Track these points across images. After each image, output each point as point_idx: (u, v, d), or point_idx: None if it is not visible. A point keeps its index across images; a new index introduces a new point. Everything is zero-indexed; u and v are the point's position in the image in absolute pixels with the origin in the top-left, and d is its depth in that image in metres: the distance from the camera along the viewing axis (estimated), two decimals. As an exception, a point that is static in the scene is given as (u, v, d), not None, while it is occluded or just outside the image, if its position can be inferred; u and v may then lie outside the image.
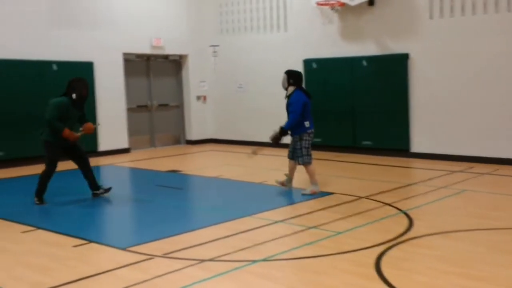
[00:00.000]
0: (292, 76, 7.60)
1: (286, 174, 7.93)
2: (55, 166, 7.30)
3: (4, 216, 6.63)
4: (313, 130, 7.59)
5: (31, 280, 4.50)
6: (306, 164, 7.54)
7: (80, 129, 7.36)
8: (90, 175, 7.54)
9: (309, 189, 7.57)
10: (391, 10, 11.04)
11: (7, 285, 4.39)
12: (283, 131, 7.55)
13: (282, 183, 7.94)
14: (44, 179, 7.27)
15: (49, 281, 4.45)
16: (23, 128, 10.62)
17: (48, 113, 7.06)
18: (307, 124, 7.49)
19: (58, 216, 6.76)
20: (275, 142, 7.65)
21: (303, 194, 7.53)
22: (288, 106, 7.52)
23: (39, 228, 6.08)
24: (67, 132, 7.09)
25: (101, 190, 7.61)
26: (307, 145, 7.50)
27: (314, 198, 7.40)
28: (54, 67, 11.09)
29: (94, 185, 7.58)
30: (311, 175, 7.57)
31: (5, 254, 5.24)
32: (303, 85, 7.96)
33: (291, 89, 7.56)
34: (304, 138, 7.49)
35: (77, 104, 7.24)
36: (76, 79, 7.27)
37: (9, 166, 10.28)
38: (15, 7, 10.67)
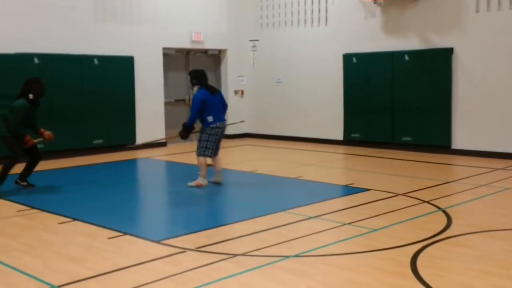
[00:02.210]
0: (194, 76, 7.86)
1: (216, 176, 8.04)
2: (17, 160, 7.47)
3: (42, 207, 6.78)
4: (218, 125, 7.77)
5: (67, 271, 4.57)
6: (199, 156, 7.75)
7: (46, 135, 7.63)
8: (31, 169, 7.78)
9: (195, 181, 7.81)
10: (435, 4, 10.76)
11: (44, 275, 4.47)
12: (186, 128, 7.83)
13: (216, 180, 8.04)
14: (5, 171, 7.39)
15: (84, 272, 4.51)
16: (62, 121, 10.83)
17: (13, 118, 7.27)
18: (210, 119, 7.69)
19: (94, 208, 6.86)
20: (182, 137, 7.95)
21: (189, 186, 7.79)
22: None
23: (75, 219, 6.19)
24: (27, 138, 7.37)
25: (24, 183, 7.81)
26: (207, 139, 7.75)
27: (347, 195, 7.35)
28: (96, 61, 11.28)
29: (24, 176, 7.78)
30: (201, 167, 7.76)
31: (43, 245, 5.34)
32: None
33: (195, 88, 7.84)
34: (207, 132, 7.74)
35: (33, 105, 7.45)
36: (34, 80, 7.48)
37: (48, 159, 10.49)
38: (60, 2, 10.88)
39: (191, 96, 13.48)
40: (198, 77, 7.86)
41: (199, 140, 7.81)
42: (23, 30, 10.38)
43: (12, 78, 10.14)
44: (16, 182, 7.78)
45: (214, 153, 7.94)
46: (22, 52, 10.31)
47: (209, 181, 7.97)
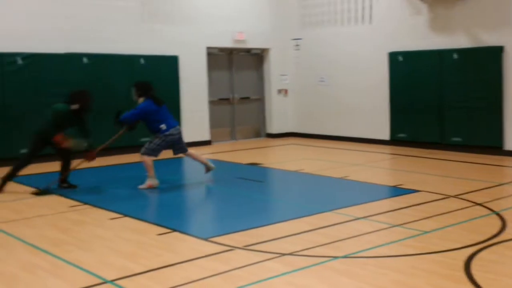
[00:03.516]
0: (139, 88, 7.87)
1: (206, 167, 8.35)
2: (32, 158, 7.62)
3: (94, 203, 6.94)
4: (172, 131, 7.83)
5: (119, 266, 4.65)
6: (145, 155, 7.75)
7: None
8: (66, 170, 7.82)
9: (146, 183, 7.77)
10: (485, 0, 10.45)
11: (97, 269, 4.56)
12: (118, 121, 7.92)
13: (207, 169, 8.33)
14: (18, 167, 7.57)
15: (135, 268, 4.58)
16: (110, 120, 10.99)
17: (51, 119, 7.45)
18: (163, 127, 7.77)
19: (143, 204, 6.98)
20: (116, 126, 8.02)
21: (140, 188, 7.74)
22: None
23: (125, 215, 6.30)
24: (59, 137, 7.39)
25: (65, 185, 7.85)
26: (159, 143, 7.79)
27: (396, 196, 7.23)
28: (142, 61, 11.46)
29: (64, 178, 7.85)
30: (148, 168, 7.77)
31: (95, 239, 5.46)
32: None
33: (141, 100, 7.84)
34: (161, 138, 7.79)
35: (77, 114, 7.58)
36: (79, 92, 7.69)
37: (100, 155, 10.42)
38: (108, 3, 11.12)
39: (235, 95, 13.60)
40: (142, 89, 7.87)
41: (150, 142, 7.82)
42: (73, 31, 10.64)
43: (62, 77, 10.44)
44: (59, 186, 7.83)
45: (181, 151, 8.07)
46: (72, 52, 10.56)
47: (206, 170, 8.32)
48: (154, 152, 7.82)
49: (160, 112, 7.83)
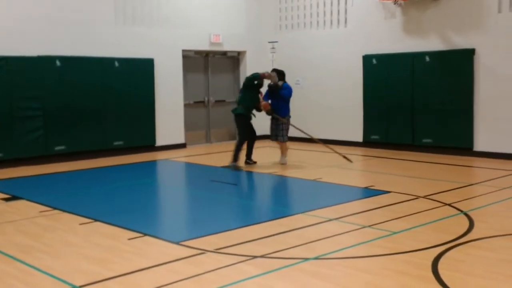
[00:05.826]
0: (281, 74, 9.96)
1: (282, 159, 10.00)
2: (248, 134, 9.52)
3: (64, 208, 6.85)
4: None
5: (89, 271, 4.62)
6: (285, 142, 9.84)
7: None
8: (251, 147, 9.79)
9: (283, 161, 9.88)
10: (457, 4, 10.64)
11: (65, 275, 4.52)
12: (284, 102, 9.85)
13: (282, 163, 9.91)
14: (239, 147, 9.42)
15: (106, 273, 4.55)
16: (83, 123, 10.93)
17: (253, 91, 9.77)
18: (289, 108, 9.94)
19: (114, 209, 6.92)
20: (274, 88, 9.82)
21: (282, 163, 9.78)
22: (279, 91, 9.78)
23: (96, 220, 6.24)
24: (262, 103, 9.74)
25: (251, 162, 9.83)
26: (287, 128, 9.85)
27: (367, 197, 7.34)
28: (116, 64, 11.38)
29: (249, 156, 9.82)
30: (285, 150, 9.95)
31: (64, 245, 5.41)
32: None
33: (281, 82, 9.84)
34: (285, 121, 9.75)
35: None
36: (256, 74, 9.84)
37: (71, 160, 10.63)
38: (82, 5, 11.01)
39: (211, 98, 13.59)
40: (283, 75, 9.94)
41: (282, 129, 9.71)
42: (45, 33, 10.51)
43: (35, 80, 10.31)
44: (246, 162, 9.73)
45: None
46: (44, 55, 10.44)
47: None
48: (287, 137, 9.85)
49: None
